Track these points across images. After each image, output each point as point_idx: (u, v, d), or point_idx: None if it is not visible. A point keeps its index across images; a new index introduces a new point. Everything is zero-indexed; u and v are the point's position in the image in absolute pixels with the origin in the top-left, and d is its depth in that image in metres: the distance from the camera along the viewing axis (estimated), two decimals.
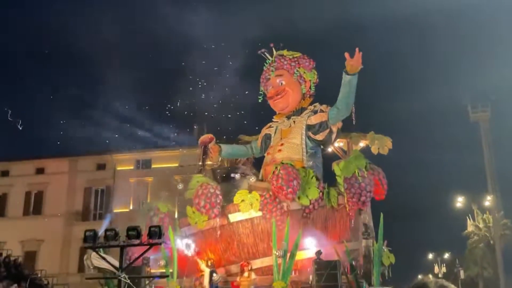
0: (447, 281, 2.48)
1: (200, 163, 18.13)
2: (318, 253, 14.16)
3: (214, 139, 18.22)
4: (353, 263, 14.94)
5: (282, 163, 15.88)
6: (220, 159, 18.97)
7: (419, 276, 42.28)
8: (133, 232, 9.59)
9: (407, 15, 47.47)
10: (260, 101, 19.13)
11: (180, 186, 17.50)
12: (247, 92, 22.26)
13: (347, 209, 15.70)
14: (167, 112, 29.47)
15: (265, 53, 18.97)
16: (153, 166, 35.83)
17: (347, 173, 15.65)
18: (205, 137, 18.26)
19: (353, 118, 17.27)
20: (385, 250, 15.68)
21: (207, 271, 15.27)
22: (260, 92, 19.17)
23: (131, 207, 35.24)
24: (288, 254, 14.49)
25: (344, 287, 14.57)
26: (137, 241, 9.64)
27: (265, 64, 19.05)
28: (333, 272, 13.79)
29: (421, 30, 56.99)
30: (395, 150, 18.75)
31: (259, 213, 15.73)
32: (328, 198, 15.76)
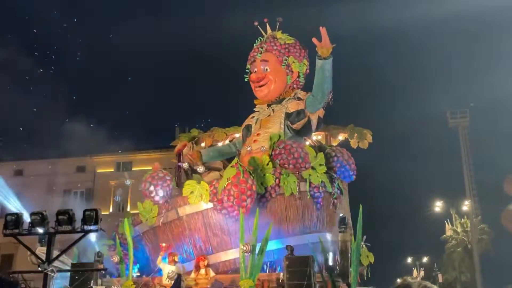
0: None
1: (178, 169, 17.27)
2: (290, 248, 13.03)
3: (188, 145, 17.70)
4: (328, 258, 14.04)
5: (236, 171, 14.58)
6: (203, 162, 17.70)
7: (398, 280, 42.50)
8: (64, 217, 8.10)
9: (385, 25, 48.41)
10: (246, 80, 17.70)
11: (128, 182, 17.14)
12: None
13: (309, 196, 14.77)
14: (149, 114, 29.51)
15: (259, 27, 17.59)
16: (133, 168, 35.65)
17: (270, 152, 15.34)
18: (178, 146, 18.08)
19: (326, 104, 16.25)
20: (364, 246, 14.66)
21: (167, 268, 14.25)
22: (247, 70, 17.83)
23: (111, 210, 35.04)
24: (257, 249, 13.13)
25: (319, 286, 13.41)
26: (68, 228, 8.15)
27: (257, 40, 17.68)
28: (306, 269, 12.54)
29: (401, 39, 57.79)
30: (375, 155, 18.25)
31: (210, 205, 14.48)
32: (286, 184, 14.63)
